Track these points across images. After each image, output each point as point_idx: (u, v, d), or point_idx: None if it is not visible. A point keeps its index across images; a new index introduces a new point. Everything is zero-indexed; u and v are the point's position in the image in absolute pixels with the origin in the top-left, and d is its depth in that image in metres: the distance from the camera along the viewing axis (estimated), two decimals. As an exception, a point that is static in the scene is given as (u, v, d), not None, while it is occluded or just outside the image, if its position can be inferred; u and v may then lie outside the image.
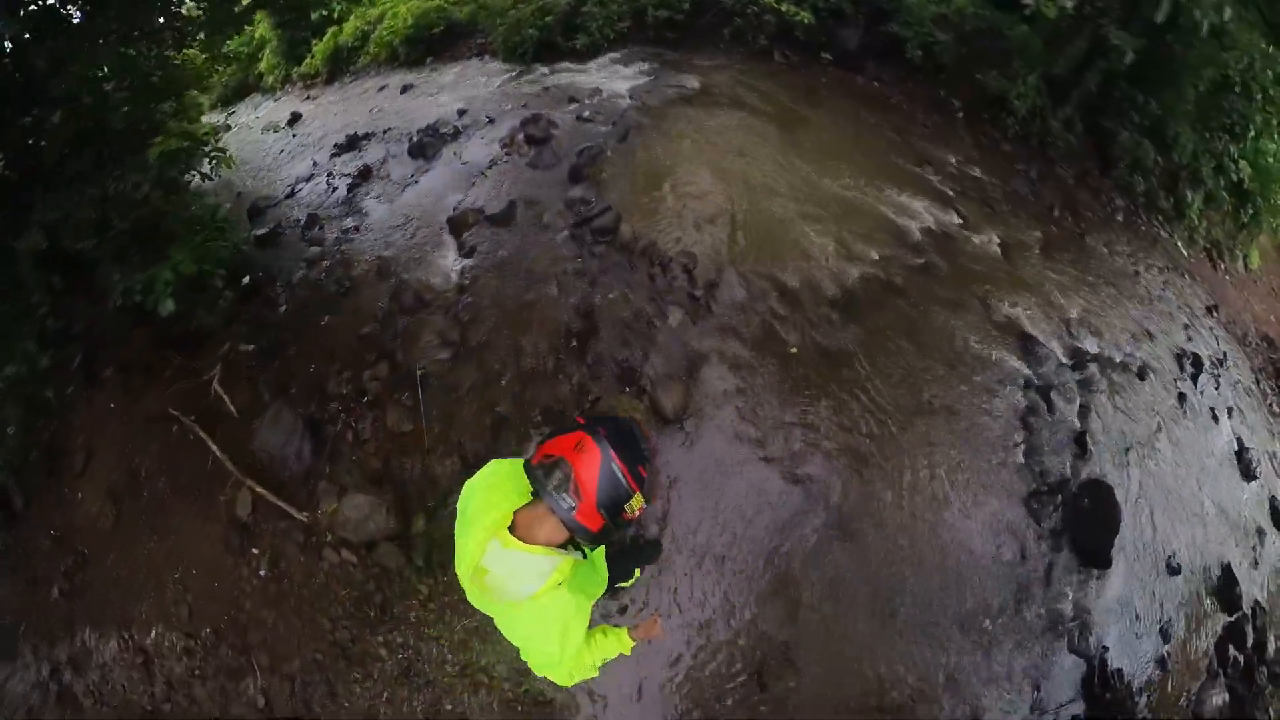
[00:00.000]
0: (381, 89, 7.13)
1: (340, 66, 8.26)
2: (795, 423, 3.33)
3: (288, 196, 5.82)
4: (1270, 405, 5.86)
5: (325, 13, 8.13)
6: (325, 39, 8.35)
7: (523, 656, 1.51)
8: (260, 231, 5.32)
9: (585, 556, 1.54)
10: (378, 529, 2.98)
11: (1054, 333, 4.46)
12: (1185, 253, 6.61)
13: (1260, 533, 4.76)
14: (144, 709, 3.32)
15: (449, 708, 2.86)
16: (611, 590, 2.89)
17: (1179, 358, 5.12)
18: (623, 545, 2.87)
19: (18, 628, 3.64)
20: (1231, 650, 4.11)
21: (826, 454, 3.32)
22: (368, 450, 3.32)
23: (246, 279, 4.68)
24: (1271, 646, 4.31)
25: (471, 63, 6.92)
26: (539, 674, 1.57)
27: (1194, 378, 5.07)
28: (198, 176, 5.49)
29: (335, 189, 5.45)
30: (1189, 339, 5.39)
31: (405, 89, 6.81)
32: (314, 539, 3.14)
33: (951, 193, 5.26)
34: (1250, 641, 4.15)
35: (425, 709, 2.87)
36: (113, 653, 3.45)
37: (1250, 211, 6.92)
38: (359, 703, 2.93)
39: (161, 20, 4.37)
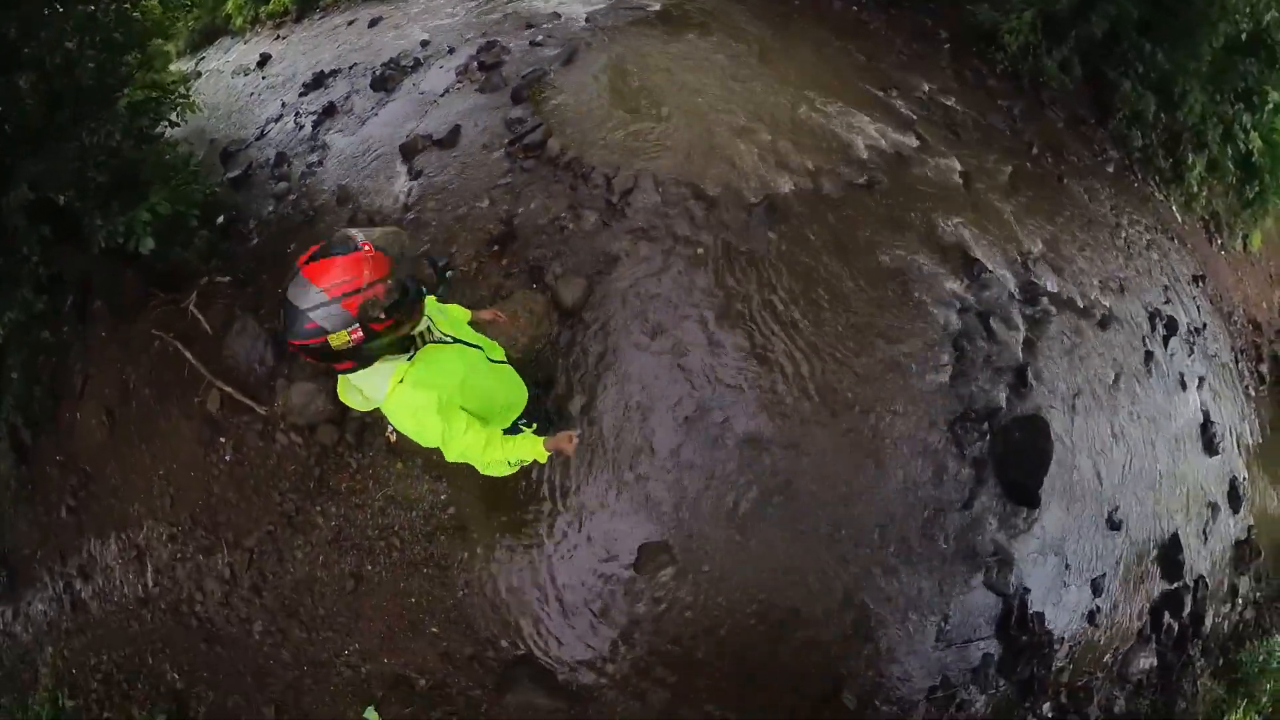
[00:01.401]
0: (350, 23, 8.29)
1: (309, 2, 9.49)
2: (694, 318, 4.13)
3: (258, 138, 7.03)
4: (1247, 387, 6.39)
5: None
6: None
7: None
8: (233, 174, 6.53)
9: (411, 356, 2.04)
10: (317, 411, 4.12)
11: (1007, 263, 5.03)
12: (1180, 219, 7.01)
13: (1214, 508, 5.35)
14: (138, 598, 4.51)
15: (369, 568, 3.95)
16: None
17: (1152, 316, 5.63)
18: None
19: (35, 555, 4.91)
20: (1167, 617, 4.72)
21: (726, 351, 4.14)
22: None
23: (221, 218, 5.86)
24: (1209, 622, 4.94)
25: None
26: (450, 458, 2.20)
27: (1165, 340, 5.57)
28: (169, 126, 6.76)
29: (302, 127, 6.61)
30: (1166, 301, 5.90)
31: (373, 22, 7.95)
32: (269, 427, 4.30)
33: (914, 117, 5.87)
34: (1188, 611, 4.78)
35: (352, 569, 3.97)
36: (113, 554, 4.65)
37: (1256, 188, 7.29)
38: (301, 568, 4.06)
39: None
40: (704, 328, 4.15)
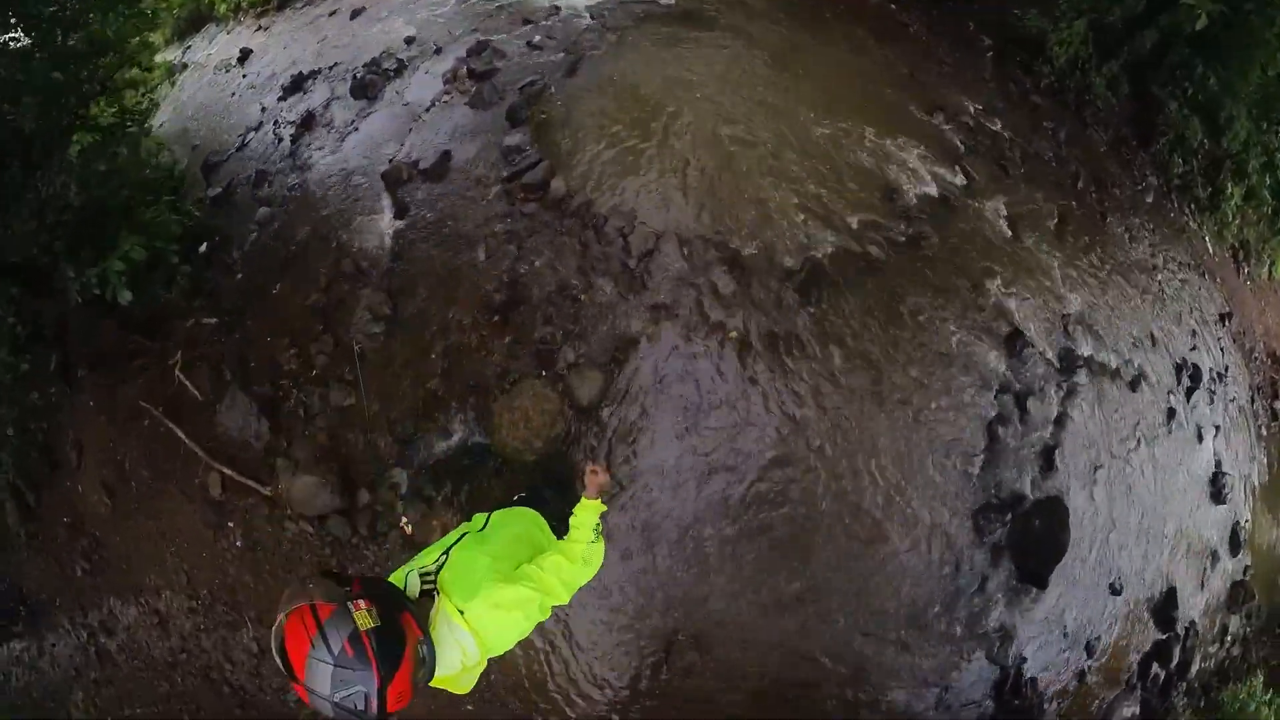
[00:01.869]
0: (333, 13, 7.19)
1: (290, -11, 8.26)
2: (721, 411, 3.55)
3: (238, 149, 6.17)
4: (1260, 427, 6.04)
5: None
6: None
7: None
8: (215, 191, 5.73)
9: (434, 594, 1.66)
10: (325, 505, 3.57)
11: (1048, 330, 4.48)
12: (1211, 250, 6.57)
13: (1214, 556, 5.09)
14: (166, 660, 4.16)
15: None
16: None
17: (1179, 368, 5.21)
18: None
19: (54, 602, 4.53)
20: (1155, 667, 4.50)
21: (751, 447, 3.60)
22: (316, 425, 3.85)
23: (204, 246, 5.15)
24: (1196, 666, 4.76)
25: None
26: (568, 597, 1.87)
27: (1189, 392, 5.18)
28: (154, 123, 5.90)
29: (281, 140, 5.74)
30: (1193, 348, 5.47)
31: (355, 13, 6.86)
32: (277, 511, 3.76)
33: (962, 147, 5.11)
34: (1175, 661, 4.60)
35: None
36: (134, 616, 4.27)
37: (1290, 219, 6.75)
38: (331, 645, 3.64)
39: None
40: (730, 419, 3.61)
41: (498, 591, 1.62)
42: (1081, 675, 4.22)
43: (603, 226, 3.76)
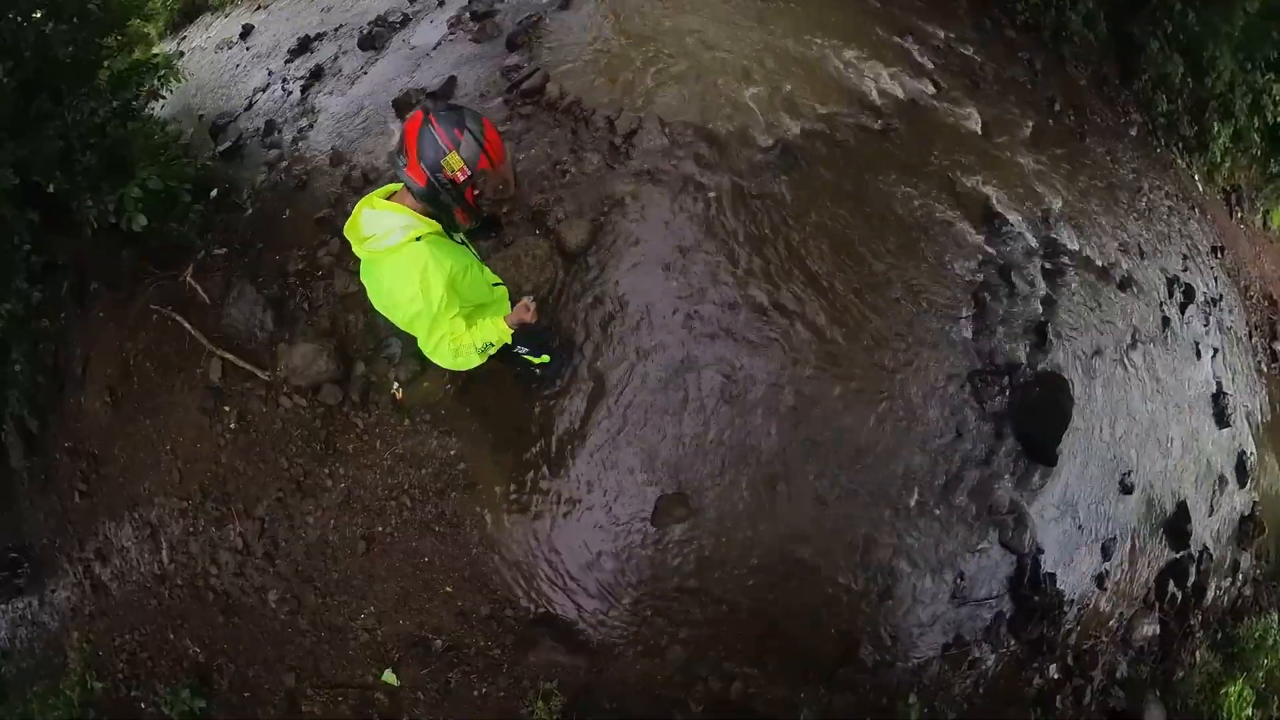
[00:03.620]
0: None
1: (290, -31, 9.31)
2: (704, 267, 4.03)
3: (246, 109, 6.93)
4: (1259, 363, 6.39)
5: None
6: None
7: (395, 320, 2.29)
8: (223, 147, 6.46)
9: (454, 235, 2.25)
10: (320, 372, 4.07)
11: (1027, 218, 4.95)
12: (1201, 189, 6.96)
13: (1222, 481, 5.41)
14: (154, 575, 4.53)
15: (380, 529, 3.93)
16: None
17: (1170, 282, 5.63)
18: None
19: (54, 544, 4.94)
20: (1172, 586, 4.77)
21: (740, 297, 4.06)
22: (320, 313, 4.40)
23: (214, 191, 5.79)
24: (1210, 594, 5.05)
25: None
26: (417, 341, 2.31)
27: (1182, 307, 5.60)
28: (155, 100, 6.63)
29: (290, 93, 6.52)
30: (1184, 269, 5.89)
31: None
32: (273, 391, 4.25)
33: (931, 65, 5.74)
34: (1191, 581, 4.82)
35: (363, 532, 3.95)
36: (127, 535, 4.67)
37: (1281, 164, 7.09)
38: (312, 533, 4.04)
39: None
40: (715, 277, 4.06)
41: (434, 264, 2.11)
42: (1100, 579, 4.46)
43: (591, 116, 4.44)
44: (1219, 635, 5.03)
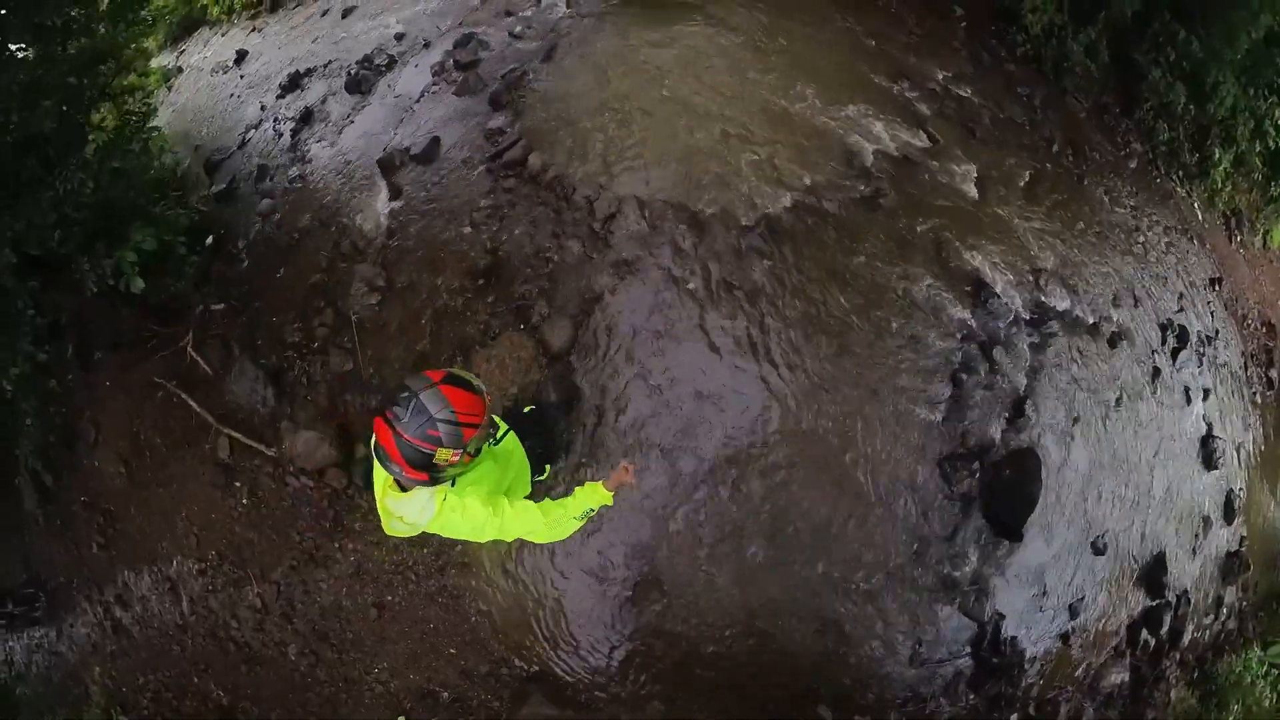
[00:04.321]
0: (324, 13, 7.96)
1: (282, -10, 9.10)
2: (682, 356, 4.00)
3: (239, 147, 6.88)
4: (1254, 394, 6.26)
5: (257, -73, 8.93)
6: None
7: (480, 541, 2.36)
8: (218, 188, 6.44)
9: (454, 481, 2.23)
10: (324, 458, 4.18)
11: (1018, 284, 4.84)
12: (1201, 216, 6.84)
13: (1206, 522, 5.33)
14: (176, 624, 4.72)
15: (390, 598, 4.11)
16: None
17: (1163, 328, 5.54)
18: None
19: (71, 583, 5.11)
20: (1145, 634, 4.75)
21: (717, 390, 4.04)
22: (318, 391, 4.48)
23: (209, 239, 5.82)
24: (1188, 636, 5.04)
25: None
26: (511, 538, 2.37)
27: (1175, 352, 5.49)
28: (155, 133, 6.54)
29: (281, 135, 6.45)
30: (1180, 309, 5.79)
31: (347, 12, 7.61)
32: (280, 469, 4.36)
33: (927, 112, 5.55)
34: (1166, 628, 4.88)
35: (374, 600, 4.13)
36: (147, 585, 4.84)
37: (1282, 186, 6.97)
38: (326, 597, 4.21)
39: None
40: (693, 370, 4.07)
41: (472, 506, 2.17)
42: (1065, 636, 4.48)
43: (572, 195, 4.37)
44: (1196, 673, 5.07)
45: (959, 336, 4.42)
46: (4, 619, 5.09)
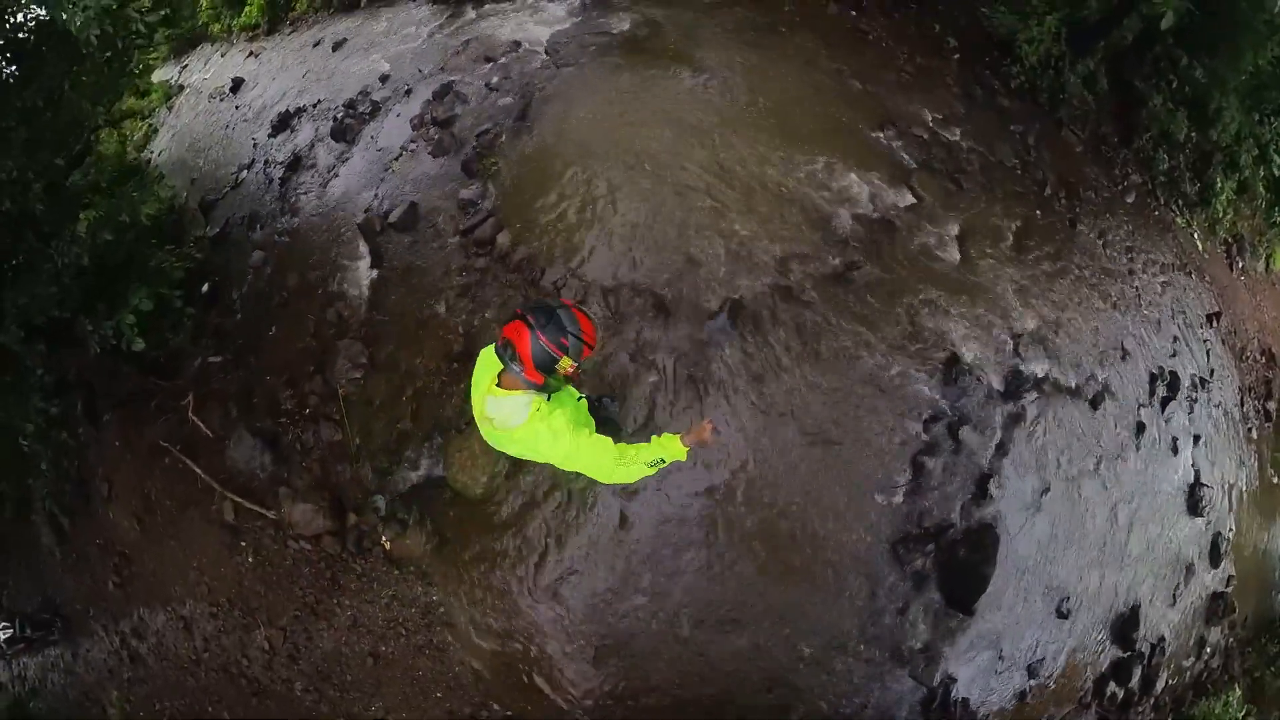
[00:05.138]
0: (316, 44, 7.90)
1: (278, 15, 8.98)
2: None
3: (233, 188, 6.98)
4: (1250, 430, 6.07)
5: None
6: None
7: (560, 466, 2.48)
8: (214, 231, 6.56)
9: (549, 395, 2.39)
10: (319, 527, 4.41)
11: (994, 352, 4.67)
12: (1201, 246, 6.60)
13: (1189, 570, 5.21)
14: (190, 659, 5.00)
15: (383, 648, 4.35)
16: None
17: (1153, 378, 5.35)
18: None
19: (87, 612, 5.43)
20: (1112, 685, 4.71)
21: (669, 481, 4.04)
22: (312, 458, 4.69)
23: (205, 286, 5.94)
24: (1162, 683, 4.92)
25: (405, 5, 7.55)
26: (587, 474, 2.48)
27: (1164, 402, 5.31)
28: (154, 155, 6.53)
29: (271, 180, 6.54)
30: (1174, 354, 5.60)
31: (337, 45, 7.57)
32: (281, 532, 4.60)
33: (913, 164, 5.32)
34: (1136, 679, 4.75)
35: (370, 650, 4.38)
36: (161, 622, 5.13)
37: (1287, 209, 6.72)
38: (327, 644, 4.47)
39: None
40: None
41: (558, 421, 2.30)
42: (1022, 695, 4.42)
43: (539, 279, 4.40)
44: (1172, 716, 5.01)
45: (925, 418, 4.30)
46: (22, 642, 5.41)
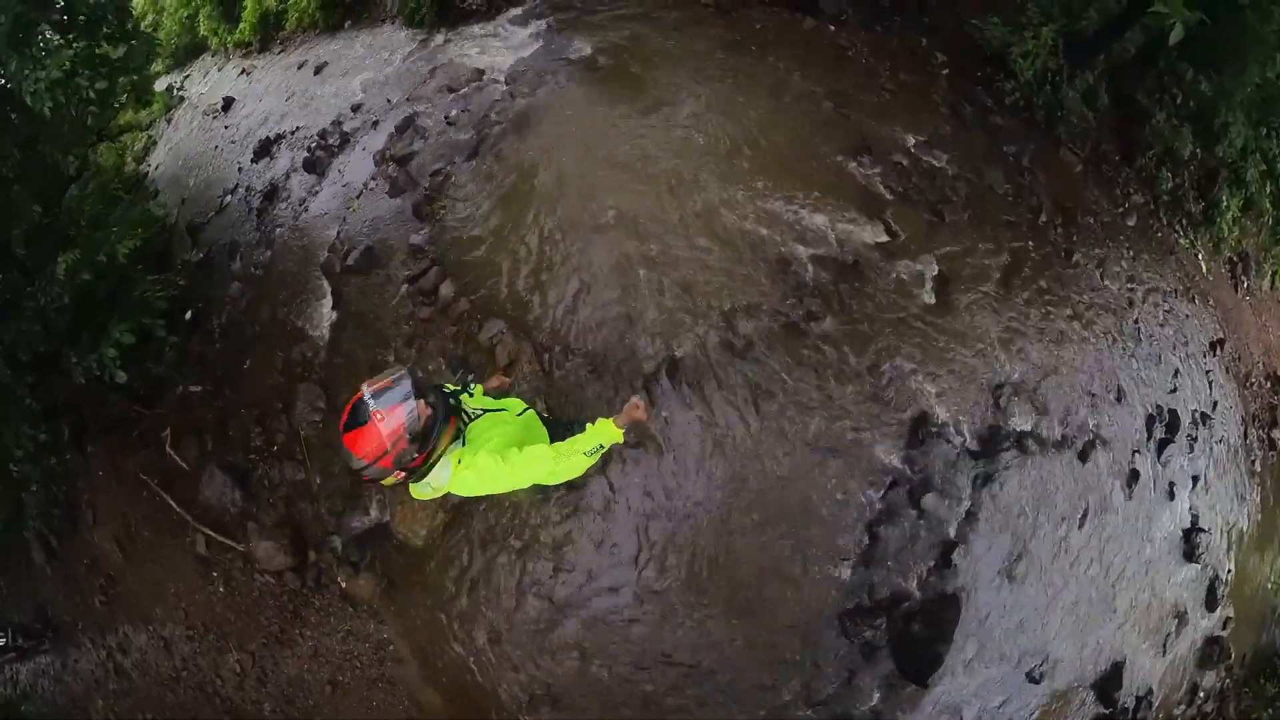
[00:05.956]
0: (300, 66, 7.90)
1: (270, 34, 8.97)
2: (585, 523, 3.86)
3: (218, 212, 7.05)
4: (1253, 462, 5.69)
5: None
6: (248, 9, 8.94)
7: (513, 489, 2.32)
8: (198, 256, 6.64)
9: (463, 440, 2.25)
10: (282, 564, 4.55)
11: (971, 408, 4.26)
12: (1205, 268, 6.25)
13: (1181, 617, 4.85)
14: (170, 676, 5.14)
15: (342, 678, 4.46)
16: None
17: (1150, 420, 4.91)
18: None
19: (76, 624, 5.61)
20: None
21: (609, 553, 3.91)
22: (278, 495, 4.82)
23: (189, 313, 6.02)
24: None
25: (384, 29, 7.49)
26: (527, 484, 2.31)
27: (1161, 445, 4.91)
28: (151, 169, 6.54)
29: (251, 209, 6.61)
30: (1173, 390, 5.18)
31: (319, 69, 7.57)
32: (249, 564, 4.74)
33: (889, 194, 4.91)
34: None
35: (329, 678, 4.50)
36: (144, 640, 5.27)
37: (1294, 225, 6.32)
38: (291, 670, 4.61)
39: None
40: (585, 524, 3.95)
41: (482, 460, 2.18)
42: None
43: (477, 334, 4.31)
44: None
45: (884, 484, 3.92)
46: (13, 650, 5.59)
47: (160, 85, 10.04)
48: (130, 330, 5.15)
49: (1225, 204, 6.24)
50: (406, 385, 2.07)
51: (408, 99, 6.10)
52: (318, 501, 4.56)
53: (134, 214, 6.10)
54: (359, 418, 2.00)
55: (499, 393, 2.84)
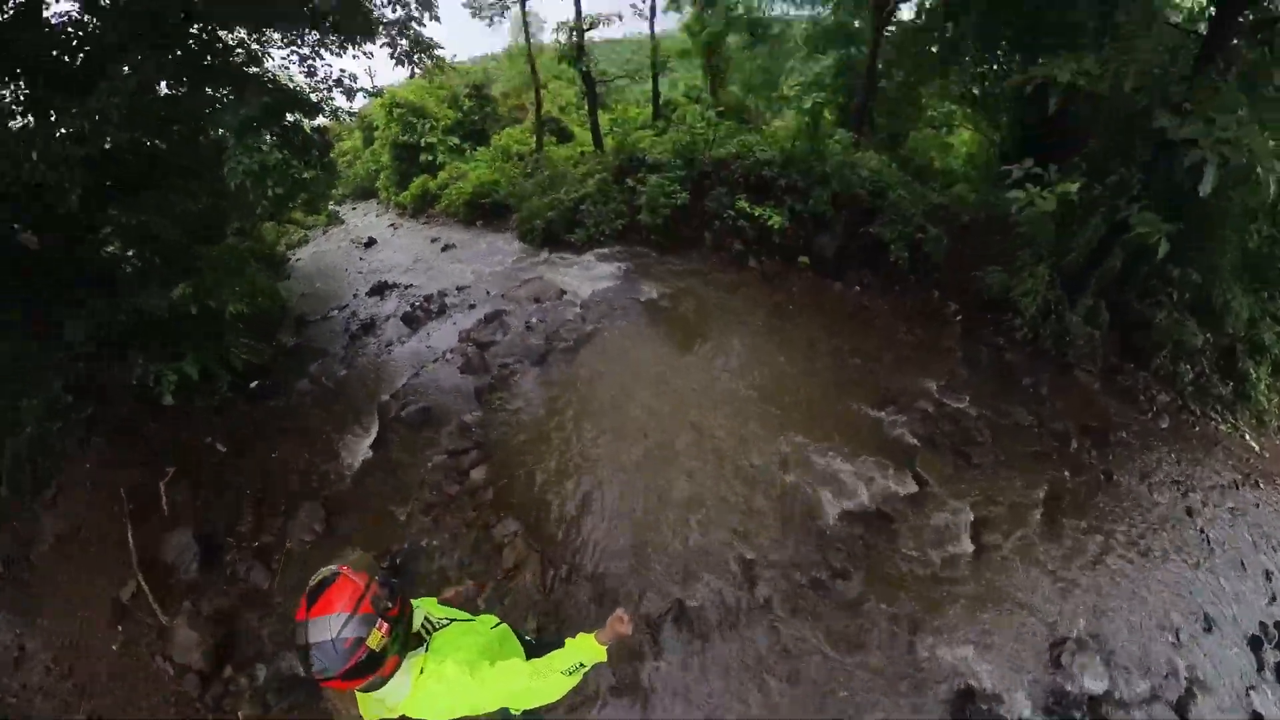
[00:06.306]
0: (434, 240, 9.00)
1: (423, 207, 10.77)
2: None
3: (324, 318, 7.31)
4: None
5: (430, 158, 11.17)
6: (415, 183, 11.20)
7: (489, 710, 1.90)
8: (291, 344, 6.84)
9: (427, 647, 1.90)
10: (194, 662, 3.91)
11: (1026, 675, 3.50)
12: (1257, 445, 5.52)
13: None
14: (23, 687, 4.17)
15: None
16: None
17: (1256, 641, 3.90)
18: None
19: None
20: None
21: None
22: (233, 589, 4.22)
23: (255, 384, 6.08)
24: None
25: (504, 235, 8.57)
26: (518, 705, 1.96)
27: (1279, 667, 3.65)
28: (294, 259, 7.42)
29: (349, 330, 6.80)
30: (1274, 597, 4.19)
31: (446, 248, 8.53)
32: (161, 641, 4.07)
33: (916, 443, 4.67)
34: None
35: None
36: (6, 636, 4.46)
37: (1326, 368, 5.34)
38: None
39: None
40: None
41: (450, 670, 1.86)
42: None
43: (492, 530, 4.09)
44: None
45: None
46: None
47: (331, 205, 12.23)
48: (198, 367, 5.14)
49: (1253, 375, 5.66)
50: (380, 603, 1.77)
51: (502, 295, 6.54)
52: (268, 619, 4.07)
53: (261, 281, 6.31)
54: (325, 582, 1.81)
55: (459, 606, 2.40)
